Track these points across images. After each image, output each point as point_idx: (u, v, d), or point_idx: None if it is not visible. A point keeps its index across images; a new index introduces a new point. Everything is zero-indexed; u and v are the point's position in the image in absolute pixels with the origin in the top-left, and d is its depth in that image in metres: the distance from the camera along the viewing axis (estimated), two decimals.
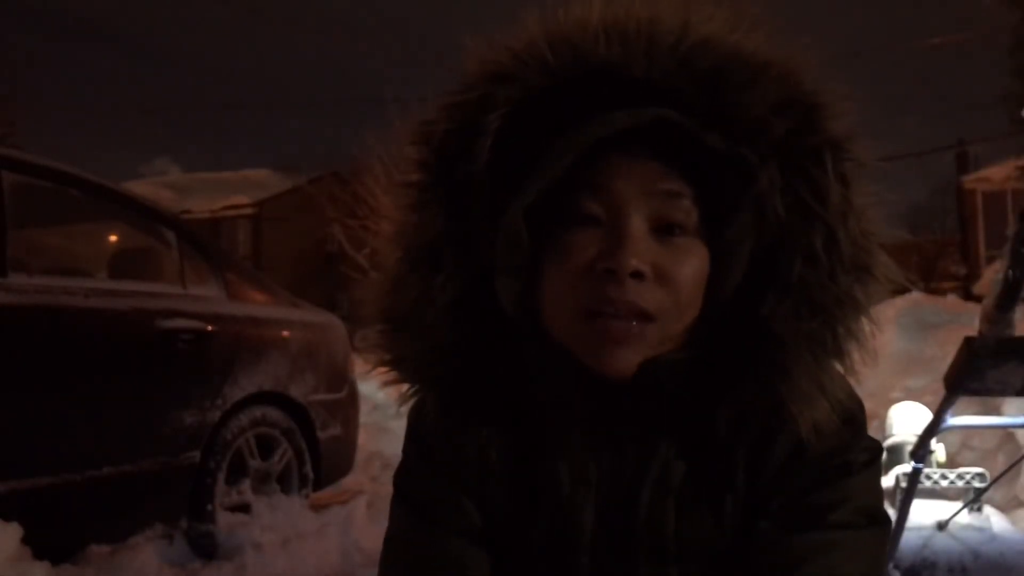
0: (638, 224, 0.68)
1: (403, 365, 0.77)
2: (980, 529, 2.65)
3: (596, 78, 0.68)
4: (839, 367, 0.71)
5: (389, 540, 0.83)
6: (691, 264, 0.69)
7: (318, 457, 3.71)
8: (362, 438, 4.39)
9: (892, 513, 2.34)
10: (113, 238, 3.94)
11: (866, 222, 0.69)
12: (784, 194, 0.67)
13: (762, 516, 0.72)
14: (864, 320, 0.70)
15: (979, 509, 2.73)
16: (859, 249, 0.69)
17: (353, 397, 4.10)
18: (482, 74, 0.71)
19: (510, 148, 0.71)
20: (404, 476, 0.83)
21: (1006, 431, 4.13)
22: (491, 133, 0.70)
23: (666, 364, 0.69)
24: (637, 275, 0.67)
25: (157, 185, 28.09)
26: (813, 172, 0.67)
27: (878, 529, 0.74)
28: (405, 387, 0.79)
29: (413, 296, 0.73)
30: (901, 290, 0.72)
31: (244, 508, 3.31)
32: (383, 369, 0.78)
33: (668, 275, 0.68)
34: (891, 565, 2.38)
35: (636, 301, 0.67)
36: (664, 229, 0.69)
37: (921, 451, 2.36)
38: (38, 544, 2.51)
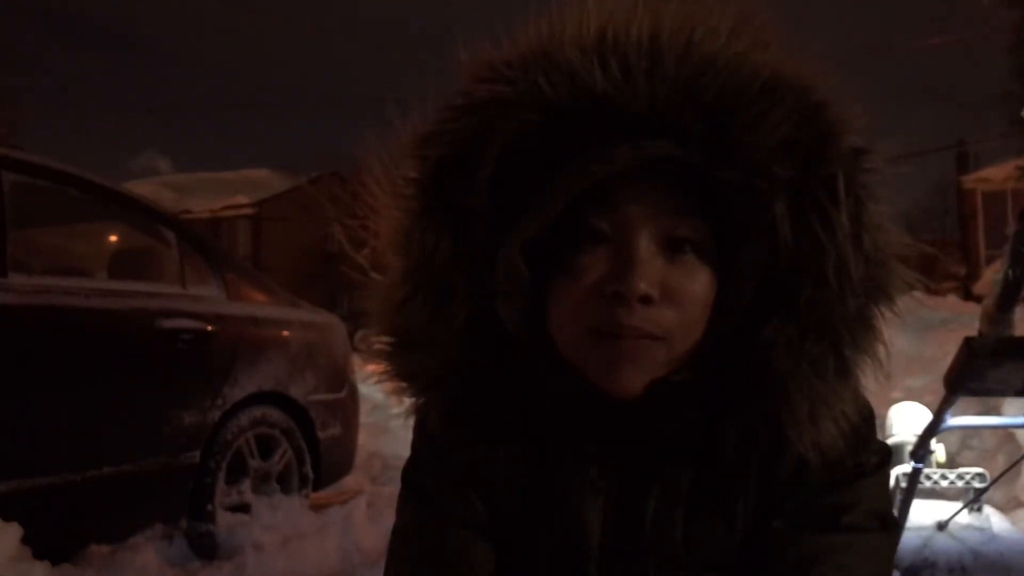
0: (646, 243, 0.67)
1: (412, 380, 0.76)
2: (980, 529, 2.66)
3: (597, 106, 0.65)
4: (848, 384, 0.69)
5: (396, 532, 0.83)
6: (699, 283, 0.68)
7: (318, 457, 3.71)
8: (362, 438, 4.39)
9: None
10: (113, 238, 3.94)
11: (882, 235, 0.67)
12: (794, 220, 0.65)
13: (775, 516, 0.72)
14: (879, 344, 0.69)
15: (979, 509, 2.74)
16: (874, 266, 0.67)
17: (353, 397, 4.10)
18: (479, 100, 0.68)
19: (510, 172, 0.69)
20: (412, 469, 0.84)
21: (1006, 431, 4.13)
22: (491, 162, 0.68)
23: (675, 387, 0.69)
24: (645, 299, 0.66)
25: (157, 185, 28.11)
26: (823, 200, 0.65)
27: (888, 533, 0.75)
28: (411, 398, 0.78)
29: (424, 318, 0.73)
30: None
31: (244, 508, 3.31)
32: (391, 383, 0.77)
33: (676, 294, 0.67)
34: None
35: (644, 326, 0.66)
36: (672, 245, 0.68)
37: (921, 451, 2.36)
38: (38, 544, 2.50)
